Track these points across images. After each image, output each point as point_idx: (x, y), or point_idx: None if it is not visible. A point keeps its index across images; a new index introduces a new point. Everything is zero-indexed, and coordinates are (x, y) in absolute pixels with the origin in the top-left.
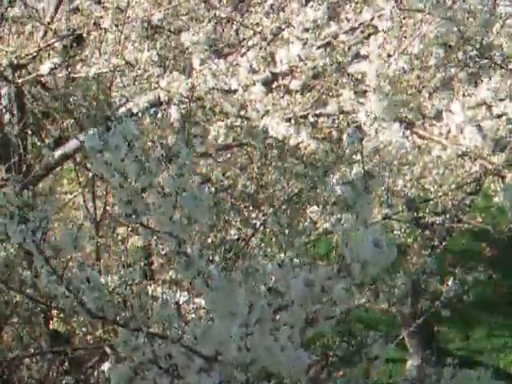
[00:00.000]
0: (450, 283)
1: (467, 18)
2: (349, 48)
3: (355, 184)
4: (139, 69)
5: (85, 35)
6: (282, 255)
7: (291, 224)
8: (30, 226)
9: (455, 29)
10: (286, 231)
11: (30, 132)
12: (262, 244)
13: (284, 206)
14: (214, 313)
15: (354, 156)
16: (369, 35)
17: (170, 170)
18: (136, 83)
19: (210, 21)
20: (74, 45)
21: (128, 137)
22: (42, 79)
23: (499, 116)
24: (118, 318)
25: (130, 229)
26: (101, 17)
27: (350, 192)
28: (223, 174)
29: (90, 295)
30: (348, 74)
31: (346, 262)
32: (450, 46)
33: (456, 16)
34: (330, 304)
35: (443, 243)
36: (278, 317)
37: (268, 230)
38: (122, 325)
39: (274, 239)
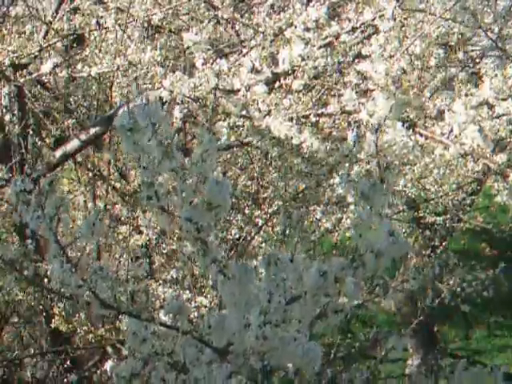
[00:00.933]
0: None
1: (483, 8)
2: (350, 48)
3: (371, 175)
4: (142, 69)
5: (86, 35)
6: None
7: (301, 221)
8: (47, 211)
9: (470, 17)
10: (292, 229)
11: (30, 132)
12: (263, 244)
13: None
14: (228, 302)
15: (358, 155)
16: (369, 35)
17: (193, 155)
18: (139, 83)
19: (209, 21)
20: (74, 45)
21: (153, 119)
22: (44, 79)
23: (499, 116)
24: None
25: (130, 228)
26: (101, 16)
27: (366, 183)
28: (224, 174)
29: (102, 285)
30: (358, 72)
31: (359, 253)
32: (450, 46)
33: (471, 6)
34: (338, 297)
35: (443, 243)
36: (289, 309)
37: (271, 228)
38: (134, 315)
39: (275, 238)
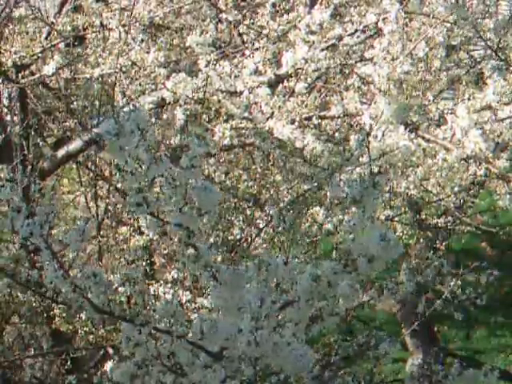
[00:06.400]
0: (451, 284)
1: (482, 18)
2: (353, 51)
3: (363, 179)
4: (145, 69)
5: (89, 35)
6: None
7: (295, 224)
8: (37, 219)
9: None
10: (291, 231)
11: (32, 132)
12: (265, 245)
13: (288, 206)
14: (221, 307)
15: (361, 158)
16: (371, 36)
17: (181, 161)
18: (142, 84)
19: (211, 20)
20: (76, 44)
21: (141, 125)
22: (47, 79)
23: (502, 120)
24: (123, 313)
25: (132, 229)
26: (101, 15)
27: (357, 187)
28: (226, 174)
29: (96, 290)
30: (358, 76)
31: (352, 257)
32: (452, 46)
33: (472, 16)
34: (335, 301)
35: (444, 243)
36: (283, 313)
37: (271, 230)
38: (128, 320)
39: (276, 240)
